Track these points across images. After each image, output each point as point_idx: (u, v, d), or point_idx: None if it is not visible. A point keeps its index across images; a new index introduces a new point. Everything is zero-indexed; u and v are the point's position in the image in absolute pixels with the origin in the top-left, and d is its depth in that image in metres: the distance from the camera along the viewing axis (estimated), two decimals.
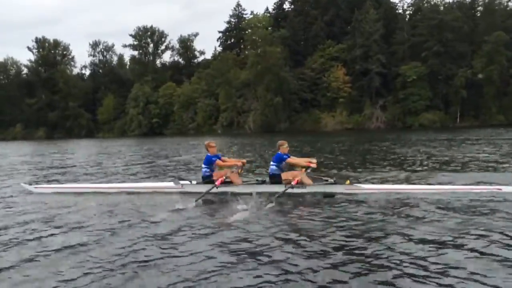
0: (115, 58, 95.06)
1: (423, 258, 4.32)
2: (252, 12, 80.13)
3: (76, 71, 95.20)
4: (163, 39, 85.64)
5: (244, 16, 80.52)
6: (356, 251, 4.63)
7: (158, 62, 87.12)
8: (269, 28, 67.53)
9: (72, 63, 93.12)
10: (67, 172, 14.47)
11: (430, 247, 4.65)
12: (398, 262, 4.26)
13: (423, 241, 4.86)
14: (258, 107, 63.83)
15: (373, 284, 3.80)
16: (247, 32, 64.89)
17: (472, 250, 4.51)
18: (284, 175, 8.20)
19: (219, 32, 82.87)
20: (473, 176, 9.59)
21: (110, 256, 4.76)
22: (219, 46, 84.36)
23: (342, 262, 4.33)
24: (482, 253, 4.41)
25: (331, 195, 7.71)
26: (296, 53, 65.94)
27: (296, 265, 4.29)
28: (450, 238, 4.91)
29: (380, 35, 58.98)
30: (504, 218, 5.71)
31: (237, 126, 65.71)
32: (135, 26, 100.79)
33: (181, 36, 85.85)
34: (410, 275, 3.94)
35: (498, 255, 4.32)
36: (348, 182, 8.00)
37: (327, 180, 8.24)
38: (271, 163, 8.43)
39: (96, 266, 4.48)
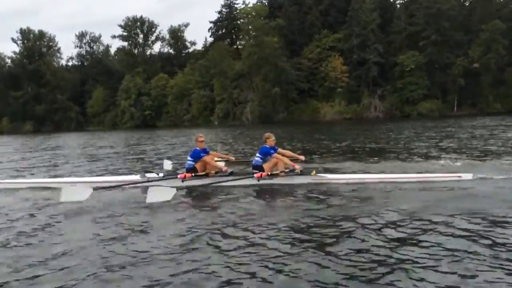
0: (102, 49, 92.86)
1: (384, 249, 4.30)
2: (244, 2, 79.67)
3: (62, 62, 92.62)
4: (153, 30, 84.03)
5: (235, 6, 79.77)
6: (314, 243, 4.59)
7: (148, 53, 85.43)
8: (262, 18, 66.66)
9: (58, 54, 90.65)
10: (36, 167, 14.13)
11: (390, 237, 4.65)
12: (356, 253, 4.23)
13: (381, 231, 4.87)
14: (255, 98, 63.27)
15: (334, 276, 3.74)
16: (241, 21, 63.79)
17: (433, 240, 4.50)
18: (266, 166, 8.25)
19: (210, 22, 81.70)
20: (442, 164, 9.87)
21: (64, 256, 4.51)
22: (210, 36, 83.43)
23: (296, 254, 4.31)
24: (445, 241, 4.43)
25: (296, 186, 7.84)
26: (291, 43, 65.33)
27: (249, 257, 4.27)
28: (411, 227, 4.96)
29: (377, 25, 58.93)
30: (463, 206, 5.80)
31: (234, 118, 65.03)
32: (124, 16, 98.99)
33: (171, 26, 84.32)
34: (372, 268, 3.86)
35: (458, 243, 4.37)
36: (314, 172, 8.07)
37: (293, 171, 8.19)
38: (257, 154, 8.47)
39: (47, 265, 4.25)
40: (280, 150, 8.56)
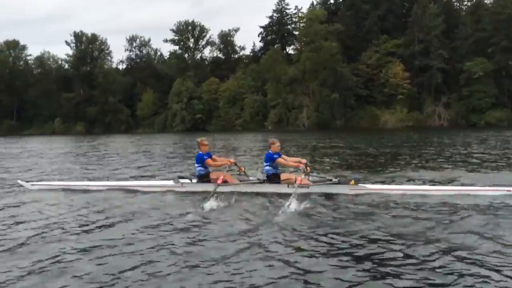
0: (151, 53, 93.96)
1: (427, 262, 4.21)
2: (296, 7, 78.96)
3: (112, 66, 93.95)
4: (204, 34, 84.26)
5: (287, 11, 79.50)
6: (356, 253, 4.57)
7: (198, 57, 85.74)
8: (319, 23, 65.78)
9: (109, 57, 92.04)
10: (75, 169, 14.38)
11: (434, 251, 4.51)
12: (397, 264, 4.20)
13: (425, 244, 4.73)
14: (310, 103, 62.38)
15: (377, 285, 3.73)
16: (300, 26, 62.95)
17: (483, 255, 4.34)
18: (284, 176, 8.17)
19: (260, 27, 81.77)
20: (494, 176, 9.45)
21: (109, 257, 4.68)
22: (260, 41, 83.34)
23: (342, 264, 4.30)
24: (495, 257, 4.27)
25: (335, 196, 7.63)
26: (348, 48, 64.22)
27: (298, 266, 4.28)
28: (458, 242, 4.76)
29: (441, 30, 57.17)
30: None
31: (287, 123, 64.26)
32: (176, 20, 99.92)
33: (221, 31, 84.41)
34: (414, 279, 3.83)
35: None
36: (352, 182, 7.88)
37: (330, 180, 8.10)
38: (264, 163, 8.35)
39: (97, 266, 4.41)
40: (283, 156, 8.43)
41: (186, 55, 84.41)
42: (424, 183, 8.86)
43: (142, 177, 11.37)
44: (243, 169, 8.64)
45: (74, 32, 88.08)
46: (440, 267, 4.10)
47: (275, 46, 78.52)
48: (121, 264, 4.45)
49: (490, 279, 3.79)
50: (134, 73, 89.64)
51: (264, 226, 5.81)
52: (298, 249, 4.80)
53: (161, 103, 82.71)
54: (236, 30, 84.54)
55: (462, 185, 8.35)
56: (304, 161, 8.20)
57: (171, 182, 8.70)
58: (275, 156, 8.19)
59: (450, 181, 8.97)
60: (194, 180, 8.62)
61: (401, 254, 4.47)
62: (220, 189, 7.82)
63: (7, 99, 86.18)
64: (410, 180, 9.38)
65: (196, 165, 8.55)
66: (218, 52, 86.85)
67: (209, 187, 8.01)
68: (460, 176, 9.83)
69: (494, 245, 4.66)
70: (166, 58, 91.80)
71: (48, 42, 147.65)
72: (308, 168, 8.11)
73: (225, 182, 8.12)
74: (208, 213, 6.62)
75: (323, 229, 5.53)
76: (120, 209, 7.02)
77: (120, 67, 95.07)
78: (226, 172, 8.28)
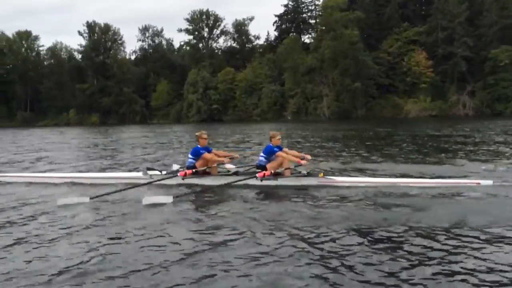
0: (164, 43, 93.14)
1: (385, 258, 4.11)
2: None
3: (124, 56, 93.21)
4: (218, 24, 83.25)
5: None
6: (317, 248, 4.43)
7: (213, 46, 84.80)
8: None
9: (122, 48, 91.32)
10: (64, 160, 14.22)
11: (392, 244, 4.50)
12: (350, 260, 4.10)
13: (385, 239, 4.68)
14: (330, 92, 61.57)
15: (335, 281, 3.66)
16: (317, 14, 61.81)
17: (444, 249, 4.30)
18: (269, 165, 7.88)
19: (275, 16, 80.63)
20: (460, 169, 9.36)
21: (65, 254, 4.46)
22: (275, 30, 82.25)
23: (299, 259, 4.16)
24: (457, 252, 4.24)
25: (303, 188, 7.52)
26: (368, 37, 63.22)
27: (253, 260, 4.16)
28: (423, 235, 4.73)
29: (465, 17, 55.98)
30: (481, 214, 5.50)
31: (306, 113, 63.52)
32: (190, 10, 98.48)
33: (236, 20, 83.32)
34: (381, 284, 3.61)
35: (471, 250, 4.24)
36: (321, 174, 7.72)
37: (299, 172, 7.97)
38: (261, 154, 8.19)
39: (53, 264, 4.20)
40: (285, 149, 8.25)
41: (200, 45, 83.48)
42: (402, 175, 8.62)
43: (118, 168, 11.20)
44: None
45: (87, 22, 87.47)
46: (403, 258, 4.09)
47: (290, 35, 77.88)
48: (54, 261, 4.29)
49: (455, 272, 3.78)
50: (147, 63, 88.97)
51: (223, 220, 5.67)
52: (255, 243, 4.68)
53: (175, 93, 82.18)
54: (251, 19, 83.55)
55: (434, 177, 8.18)
56: (309, 157, 8.15)
57: (139, 174, 8.61)
58: (275, 149, 8.03)
59: (429, 174, 8.71)
60: (164, 172, 8.54)
61: (358, 248, 4.41)
62: (187, 180, 7.94)
63: (20, 90, 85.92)
64: (390, 172, 9.15)
65: (190, 156, 8.35)
66: (232, 42, 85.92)
67: (176, 180, 8.00)
68: (443, 168, 9.72)
69: (457, 235, 4.69)
70: (178, 48, 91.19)
71: (53, 32, 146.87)
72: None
73: (206, 173, 8.22)
74: (158, 208, 6.35)
75: (281, 222, 5.41)
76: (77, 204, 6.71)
77: (133, 57, 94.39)
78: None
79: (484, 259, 4.02)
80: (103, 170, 11.10)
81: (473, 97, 54.99)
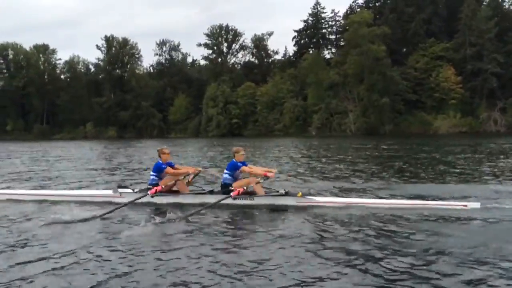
0: (181, 58, 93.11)
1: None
2: (333, 11, 77.74)
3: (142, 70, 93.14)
4: (237, 38, 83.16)
5: (323, 14, 78.27)
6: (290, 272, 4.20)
7: (232, 61, 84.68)
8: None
9: (139, 62, 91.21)
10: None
11: (377, 269, 4.24)
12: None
13: (364, 263, 4.40)
14: (355, 108, 60.90)
15: None
16: (335, 29, 61.55)
17: (428, 276, 4.01)
18: (236, 184, 7.59)
19: (295, 31, 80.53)
20: (450, 190, 8.93)
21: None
22: (294, 45, 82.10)
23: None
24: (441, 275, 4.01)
25: (281, 209, 7.25)
26: (393, 52, 62.75)
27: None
28: (403, 260, 4.46)
29: (494, 33, 55.59)
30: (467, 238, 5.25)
31: (330, 128, 62.75)
32: (209, 25, 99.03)
33: (255, 35, 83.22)
34: None
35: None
36: (300, 194, 7.43)
37: (277, 192, 7.66)
38: (225, 171, 7.91)
39: None
40: (249, 166, 8.02)
41: (219, 59, 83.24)
42: (392, 196, 8.28)
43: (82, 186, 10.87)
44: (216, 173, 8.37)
45: (105, 36, 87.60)
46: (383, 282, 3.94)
47: (309, 51, 77.72)
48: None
49: None
50: (164, 77, 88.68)
51: (192, 240, 5.46)
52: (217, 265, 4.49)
53: (193, 107, 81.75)
54: (270, 34, 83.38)
55: (419, 199, 7.72)
56: (274, 170, 7.87)
57: (110, 192, 8.32)
58: (239, 164, 7.72)
59: (414, 195, 8.25)
60: (136, 190, 8.16)
61: (331, 270, 4.25)
62: (156, 199, 7.60)
63: (37, 103, 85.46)
64: (384, 192, 8.76)
65: (152, 173, 8.09)
66: (251, 57, 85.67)
67: (148, 198, 7.60)
68: (432, 189, 9.20)
69: (437, 258, 4.50)
70: (191, 62, 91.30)
71: (60, 47, 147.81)
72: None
73: (174, 191, 7.94)
74: (127, 225, 6.24)
75: (256, 244, 5.20)
76: (34, 221, 6.62)
77: (150, 71, 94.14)
78: (181, 179, 7.90)
79: (468, 282, 3.86)
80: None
81: (504, 113, 54.17)
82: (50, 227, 6.18)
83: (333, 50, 79.41)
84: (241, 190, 7.29)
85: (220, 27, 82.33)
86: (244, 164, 7.83)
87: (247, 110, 73.57)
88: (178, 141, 52.91)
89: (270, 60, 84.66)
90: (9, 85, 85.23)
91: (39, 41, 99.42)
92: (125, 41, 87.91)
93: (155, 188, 7.66)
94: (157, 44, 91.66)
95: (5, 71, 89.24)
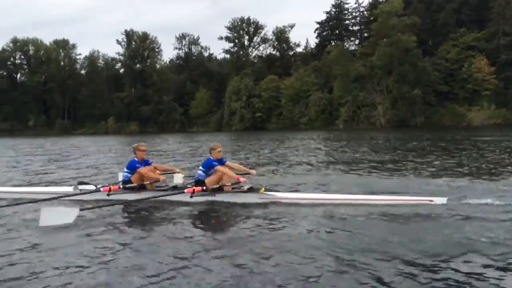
0: (201, 51, 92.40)
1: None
2: (357, 1, 76.52)
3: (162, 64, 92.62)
4: (259, 31, 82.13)
5: (346, 5, 77.02)
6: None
7: (253, 54, 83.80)
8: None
9: (159, 56, 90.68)
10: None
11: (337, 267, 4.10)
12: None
13: (324, 263, 4.22)
14: (384, 100, 59.72)
15: None
16: (378, 19, 60.13)
17: (390, 272, 3.91)
18: (208, 180, 7.37)
19: (317, 23, 79.38)
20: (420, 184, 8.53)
21: None
22: (316, 37, 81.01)
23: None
24: (405, 273, 3.88)
25: (241, 205, 6.98)
26: (422, 43, 61.34)
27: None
28: (362, 258, 4.27)
29: None
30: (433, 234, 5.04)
31: (358, 121, 61.68)
32: (231, 18, 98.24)
33: (276, 27, 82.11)
34: None
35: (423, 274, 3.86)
36: (262, 189, 7.26)
37: (240, 188, 7.41)
38: (200, 167, 7.73)
39: None
40: (228, 163, 7.83)
41: (240, 53, 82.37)
42: (363, 191, 7.80)
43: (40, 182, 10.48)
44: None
45: (126, 30, 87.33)
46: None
47: (332, 43, 76.62)
48: None
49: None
50: (184, 71, 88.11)
51: (148, 239, 5.32)
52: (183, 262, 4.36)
53: (214, 101, 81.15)
54: (292, 26, 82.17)
55: (387, 194, 7.48)
56: (253, 172, 7.76)
57: (70, 189, 8.12)
58: (214, 163, 7.51)
59: (388, 190, 7.91)
60: (99, 186, 7.85)
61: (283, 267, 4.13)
62: (113, 196, 7.39)
63: (59, 98, 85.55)
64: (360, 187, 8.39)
65: (125, 170, 7.83)
66: (272, 49, 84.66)
67: (103, 195, 7.45)
68: (406, 184, 8.81)
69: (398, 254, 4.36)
70: (208, 56, 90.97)
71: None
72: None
73: (140, 188, 7.65)
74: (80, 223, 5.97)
75: (211, 242, 5.10)
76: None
77: (170, 65, 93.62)
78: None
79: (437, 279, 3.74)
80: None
81: None
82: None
83: (357, 41, 78.37)
84: (197, 189, 7.12)
85: (242, 19, 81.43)
86: (221, 161, 7.67)
87: (270, 103, 72.65)
88: (200, 135, 52.34)
89: (292, 52, 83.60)
90: (30, 80, 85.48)
91: (51, 37, 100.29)
92: (145, 35, 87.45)
93: (109, 186, 7.52)
94: (176, 38, 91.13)
95: (25, 66, 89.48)
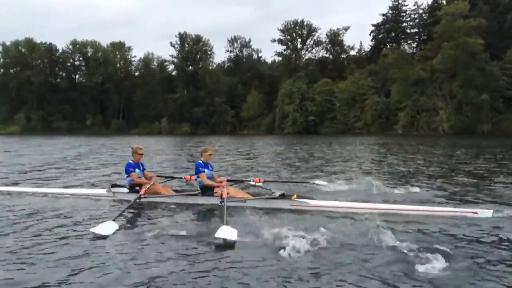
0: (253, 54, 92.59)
1: None
2: (415, 3, 74.18)
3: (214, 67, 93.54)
4: (312, 34, 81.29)
5: (403, 7, 74.88)
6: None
7: (306, 57, 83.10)
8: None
9: (211, 59, 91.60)
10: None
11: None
12: None
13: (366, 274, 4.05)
14: (447, 105, 57.35)
15: None
16: (440, 22, 57.96)
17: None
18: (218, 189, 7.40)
19: (372, 25, 77.72)
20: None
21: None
22: (371, 40, 79.35)
23: None
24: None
25: (274, 212, 6.82)
26: (489, 46, 58.41)
27: None
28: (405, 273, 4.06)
29: None
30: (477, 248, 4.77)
31: (417, 127, 59.55)
32: (284, 20, 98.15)
33: (330, 30, 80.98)
34: None
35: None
36: (295, 196, 7.17)
37: (271, 194, 7.40)
38: (195, 173, 7.85)
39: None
40: (213, 174, 7.99)
41: (293, 55, 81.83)
42: (398, 200, 7.60)
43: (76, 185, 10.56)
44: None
45: (179, 33, 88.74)
46: None
47: (387, 46, 74.78)
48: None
49: None
50: (236, 74, 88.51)
51: (188, 244, 5.15)
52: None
53: (265, 104, 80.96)
54: (346, 28, 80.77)
55: (427, 204, 7.10)
56: (223, 179, 7.67)
57: (103, 191, 8.37)
58: (200, 169, 7.65)
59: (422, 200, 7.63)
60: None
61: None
62: (143, 200, 7.45)
63: (115, 99, 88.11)
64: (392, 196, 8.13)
65: (125, 174, 8.08)
66: (325, 52, 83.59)
67: (139, 198, 7.45)
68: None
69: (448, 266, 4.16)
70: (261, 58, 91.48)
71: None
72: (258, 180, 8.17)
73: (153, 193, 7.70)
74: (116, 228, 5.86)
75: (246, 249, 4.96)
76: (26, 216, 6.68)
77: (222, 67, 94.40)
78: (155, 185, 7.85)
79: None
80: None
81: None
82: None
83: (414, 44, 76.00)
84: (225, 195, 7.00)
85: (295, 22, 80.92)
86: (207, 166, 7.80)
87: (324, 107, 71.67)
88: (251, 138, 52.15)
89: (345, 55, 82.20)
90: (88, 81, 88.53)
91: (102, 39, 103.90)
92: (198, 38, 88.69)
93: (144, 189, 7.53)
94: (228, 40, 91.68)
95: (83, 68, 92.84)
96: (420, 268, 4.12)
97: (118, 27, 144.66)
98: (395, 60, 62.48)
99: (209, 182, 7.61)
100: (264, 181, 8.79)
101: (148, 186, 7.59)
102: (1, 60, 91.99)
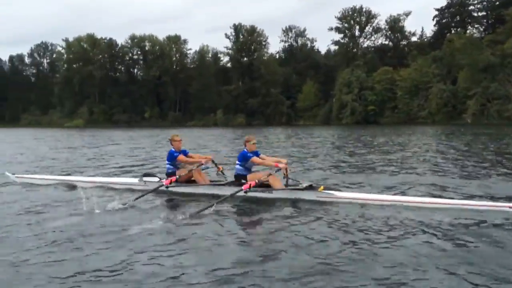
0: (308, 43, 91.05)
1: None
2: None
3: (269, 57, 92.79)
4: (371, 20, 78.53)
5: None
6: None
7: (365, 45, 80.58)
8: None
9: (265, 49, 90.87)
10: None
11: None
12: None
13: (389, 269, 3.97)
14: None
15: None
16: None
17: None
18: (250, 177, 7.38)
19: (436, 9, 73.90)
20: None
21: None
22: (434, 25, 75.54)
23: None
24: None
25: (300, 203, 6.93)
26: None
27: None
28: (435, 269, 3.94)
29: None
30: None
31: (487, 115, 56.01)
32: (341, 7, 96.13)
33: (390, 16, 77.83)
34: None
35: None
36: (321, 188, 7.14)
37: (299, 184, 7.32)
38: (236, 162, 7.69)
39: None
40: (262, 156, 7.67)
41: (351, 44, 79.53)
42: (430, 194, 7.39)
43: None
44: (220, 168, 8.08)
45: (234, 24, 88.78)
46: None
47: (452, 31, 70.96)
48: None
49: None
50: (291, 64, 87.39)
51: (205, 235, 5.21)
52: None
53: (321, 94, 79.38)
54: (407, 14, 77.40)
55: (460, 198, 6.85)
56: (284, 161, 7.41)
57: (135, 180, 8.57)
58: (249, 154, 7.48)
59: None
60: (164, 180, 8.05)
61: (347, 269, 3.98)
62: (171, 189, 7.76)
63: (172, 91, 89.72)
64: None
65: (167, 162, 8.25)
66: (384, 39, 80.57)
67: (172, 186, 7.85)
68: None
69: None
70: (314, 47, 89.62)
71: None
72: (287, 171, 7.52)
73: (191, 181, 7.89)
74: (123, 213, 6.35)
75: (270, 239, 5.05)
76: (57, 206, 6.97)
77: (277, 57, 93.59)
78: (196, 169, 7.81)
79: None
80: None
81: None
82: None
83: (481, 28, 71.56)
84: (252, 183, 7.03)
85: (353, 9, 78.47)
86: (256, 153, 7.60)
87: (384, 96, 69.09)
88: (307, 129, 50.94)
89: (406, 42, 78.80)
90: (146, 74, 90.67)
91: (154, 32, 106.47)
92: (252, 29, 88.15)
93: (170, 178, 7.80)
94: (283, 30, 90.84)
95: (141, 61, 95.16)
96: (454, 263, 4.02)
97: (170, 21, 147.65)
98: (462, 46, 58.82)
99: (265, 162, 7.52)
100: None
101: (187, 171, 7.81)
102: (65, 56, 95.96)
